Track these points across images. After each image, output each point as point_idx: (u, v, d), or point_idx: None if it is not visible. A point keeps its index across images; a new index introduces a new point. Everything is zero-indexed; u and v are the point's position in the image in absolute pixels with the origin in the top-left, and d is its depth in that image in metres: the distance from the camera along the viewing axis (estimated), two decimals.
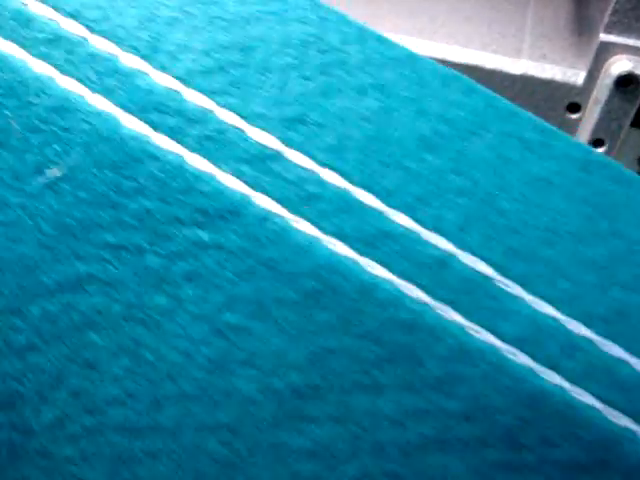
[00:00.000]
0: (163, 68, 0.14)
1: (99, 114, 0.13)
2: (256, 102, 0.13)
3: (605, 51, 0.27)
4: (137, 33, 0.14)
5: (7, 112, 0.14)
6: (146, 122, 0.13)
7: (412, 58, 0.15)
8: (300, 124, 0.13)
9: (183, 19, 0.15)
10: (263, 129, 0.13)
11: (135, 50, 0.14)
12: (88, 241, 0.13)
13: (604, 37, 0.27)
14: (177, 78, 0.14)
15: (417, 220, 0.13)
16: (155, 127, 0.13)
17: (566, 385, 0.12)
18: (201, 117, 0.13)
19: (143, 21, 0.15)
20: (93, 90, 0.14)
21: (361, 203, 0.13)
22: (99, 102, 0.13)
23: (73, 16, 0.15)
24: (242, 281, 0.12)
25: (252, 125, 0.13)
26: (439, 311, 0.12)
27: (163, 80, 0.14)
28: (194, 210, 0.13)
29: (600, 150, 0.30)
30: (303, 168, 0.13)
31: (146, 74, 0.14)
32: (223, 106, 0.13)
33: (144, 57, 0.14)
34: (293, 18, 0.15)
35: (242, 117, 0.13)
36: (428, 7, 0.33)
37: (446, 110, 0.14)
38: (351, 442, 0.12)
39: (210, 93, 0.14)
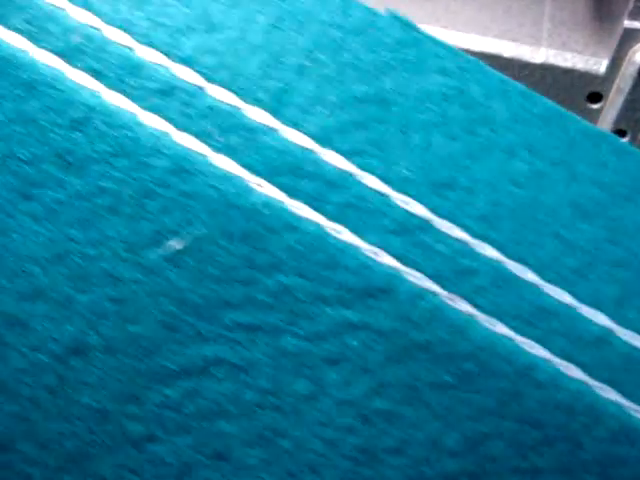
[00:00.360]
0: (294, 124, 0.12)
1: (225, 177, 0.12)
2: (400, 164, 0.12)
3: (629, 38, 0.26)
4: (261, 83, 0.12)
5: (118, 174, 0.12)
6: (280, 187, 0.12)
7: (559, 115, 0.13)
8: (449, 190, 0.12)
9: (312, 67, 0.13)
10: (410, 195, 0.12)
11: (260, 102, 0.12)
12: (216, 321, 0.12)
13: (628, 24, 0.26)
14: (311, 136, 0.12)
15: (575, 295, 0.12)
16: (290, 193, 0.12)
17: None
18: (341, 181, 0.12)
19: (267, 69, 0.13)
20: (216, 149, 0.12)
21: (517, 277, 0.12)
22: (224, 163, 0.12)
23: (187, 62, 0.13)
24: (393, 364, 0.11)
25: (397, 191, 0.12)
26: (599, 391, 0.11)
27: (295, 138, 0.12)
28: (339, 287, 0.11)
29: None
30: (455, 239, 0.12)
31: (275, 131, 0.12)
32: (364, 169, 0.12)
33: (271, 111, 0.12)
34: (431, 68, 0.13)
35: (386, 182, 0.12)
36: None
37: (598, 173, 0.13)
38: None
39: (349, 153, 0.12)
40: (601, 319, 0.12)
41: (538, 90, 0.29)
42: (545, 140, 0.13)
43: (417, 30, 0.14)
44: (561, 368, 0.11)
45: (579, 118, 0.13)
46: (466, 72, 0.14)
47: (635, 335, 0.12)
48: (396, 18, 0.14)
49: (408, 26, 0.14)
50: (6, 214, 0.12)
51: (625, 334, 0.12)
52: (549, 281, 0.12)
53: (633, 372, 0.11)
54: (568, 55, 0.28)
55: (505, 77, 0.14)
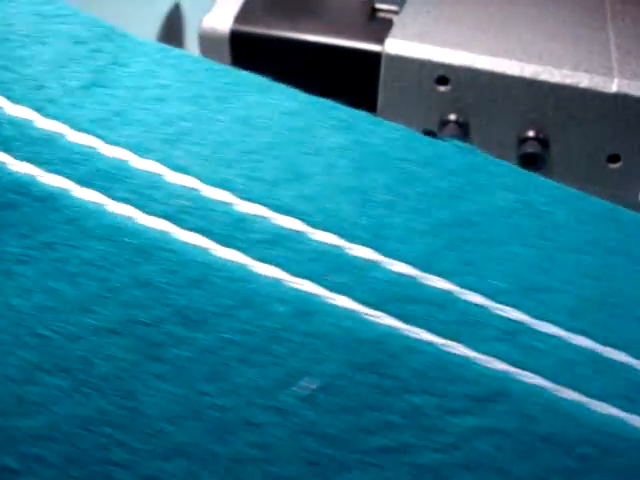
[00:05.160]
0: (395, 255, 0.13)
1: (343, 314, 0.13)
2: (493, 277, 0.14)
3: None
4: (358, 221, 0.14)
5: (242, 325, 0.13)
6: (394, 315, 0.13)
7: (612, 211, 0.15)
8: (538, 292, 0.13)
9: (397, 200, 0.14)
10: (507, 304, 0.13)
11: (361, 239, 0.13)
12: (355, 449, 0.12)
13: None
14: (412, 264, 0.13)
15: None
16: (404, 319, 0.13)
17: None
18: (446, 301, 0.13)
19: (360, 208, 0.14)
20: (330, 289, 0.13)
21: (613, 361, 0.13)
22: (339, 300, 0.13)
23: (287, 211, 0.14)
24: (522, 460, 0.12)
25: (496, 302, 0.13)
26: None
27: (398, 268, 0.13)
28: (461, 398, 0.12)
29: None
30: (554, 336, 0.13)
31: (379, 263, 0.13)
32: (463, 286, 0.13)
33: (372, 246, 0.13)
34: (497, 186, 0.15)
35: (484, 295, 0.13)
36: (512, 24, 0.33)
37: None
38: None
39: (448, 275, 0.13)
40: None
41: (613, 119, 0.30)
42: (605, 234, 0.14)
43: (478, 153, 0.16)
44: None
45: (628, 210, 0.15)
46: (527, 184, 0.15)
47: None
48: (457, 146, 0.16)
49: (469, 151, 0.16)
50: (133, 378, 0.12)
51: None
52: (637, 357, 0.13)
53: None
54: None
55: (562, 186, 0.15)
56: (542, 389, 0.12)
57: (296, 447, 0.12)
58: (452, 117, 0.31)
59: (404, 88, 0.31)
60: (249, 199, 0.14)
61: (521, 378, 0.13)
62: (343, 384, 0.12)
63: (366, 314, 0.13)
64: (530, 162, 0.31)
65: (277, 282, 0.13)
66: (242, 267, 0.13)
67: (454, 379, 0.12)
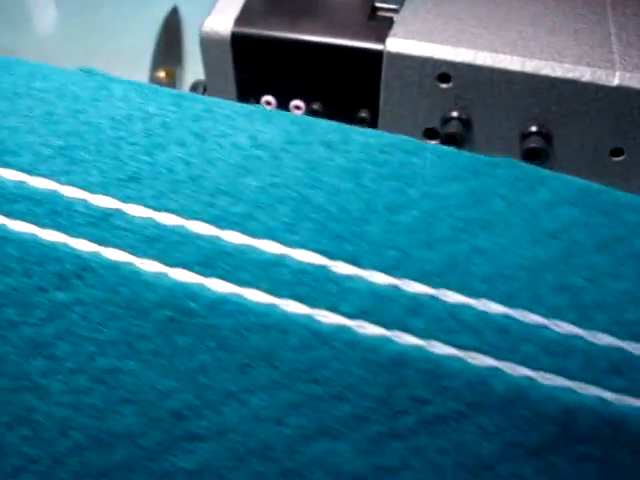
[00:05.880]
0: (7, 164, 0.16)
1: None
2: (94, 173, 0.16)
3: None
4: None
5: None
6: (7, 215, 0.15)
7: (214, 104, 0.17)
8: (133, 182, 0.15)
9: (20, 121, 0.17)
10: (103, 194, 0.15)
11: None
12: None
13: None
14: (22, 170, 0.16)
15: (248, 233, 0.14)
16: (7, 215, 0.15)
17: (421, 342, 0.13)
18: (47, 197, 0.15)
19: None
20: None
21: (195, 233, 0.15)
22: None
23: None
24: (106, 328, 0.14)
25: (93, 193, 0.15)
26: (284, 307, 0.13)
27: (8, 175, 0.15)
28: (52, 276, 0.14)
29: None
30: (141, 217, 0.15)
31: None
32: (66, 184, 0.15)
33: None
34: (116, 98, 0.17)
35: (83, 189, 0.15)
36: (512, 20, 0.33)
37: (255, 138, 0.16)
38: (235, 450, 0.13)
39: (53, 175, 0.15)
40: (274, 247, 0.14)
41: (615, 113, 0.30)
42: (209, 126, 0.16)
43: (100, 76, 0.18)
44: (245, 295, 0.13)
45: (228, 102, 0.17)
46: (145, 95, 0.17)
47: (306, 252, 0.14)
48: (84, 71, 0.18)
49: (95, 74, 0.18)
50: None
51: (298, 254, 0.14)
52: (223, 228, 0.14)
53: (311, 284, 0.13)
54: None
55: (179, 92, 0.18)
56: (125, 263, 0.14)
57: None
58: (455, 114, 0.31)
59: (406, 86, 0.31)
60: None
61: (107, 255, 0.14)
62: None
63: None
64: (534, 157, 0.31)
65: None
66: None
67: (45, 260, 0.14)
